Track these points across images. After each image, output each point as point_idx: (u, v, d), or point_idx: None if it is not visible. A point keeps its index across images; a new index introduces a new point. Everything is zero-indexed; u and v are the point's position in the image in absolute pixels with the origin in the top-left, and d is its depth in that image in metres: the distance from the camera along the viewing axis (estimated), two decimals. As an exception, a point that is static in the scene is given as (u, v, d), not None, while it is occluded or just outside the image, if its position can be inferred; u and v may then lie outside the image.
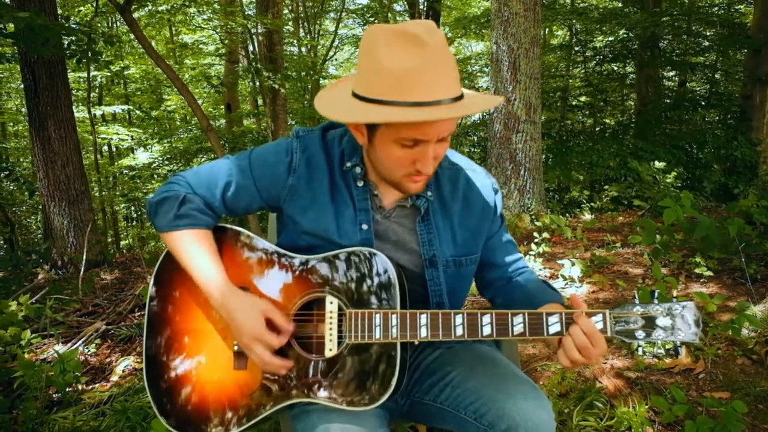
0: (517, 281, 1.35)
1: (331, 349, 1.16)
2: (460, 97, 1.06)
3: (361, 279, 1.18)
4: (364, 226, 1.24)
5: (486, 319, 1.11)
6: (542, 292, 1.28)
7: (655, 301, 1.11)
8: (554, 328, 1.09)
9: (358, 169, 1.24)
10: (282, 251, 1.25)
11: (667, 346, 1.12)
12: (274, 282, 1.23)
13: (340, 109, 1.10)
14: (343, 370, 1.16)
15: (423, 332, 1.12)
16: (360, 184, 1.25)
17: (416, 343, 1.16)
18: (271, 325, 1.16)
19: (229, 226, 1.30)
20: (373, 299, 1.16)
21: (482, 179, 1.33)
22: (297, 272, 1.22)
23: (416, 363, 1.35)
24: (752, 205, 3.87)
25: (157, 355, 1.27)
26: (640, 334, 1.09)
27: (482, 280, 1.40)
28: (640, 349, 1.13)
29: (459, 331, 1.11)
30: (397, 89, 1.02)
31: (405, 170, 1.14)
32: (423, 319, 1.13)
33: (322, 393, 1.16)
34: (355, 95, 1.09)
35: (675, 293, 1.22)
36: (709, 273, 3.47)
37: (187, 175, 1.28)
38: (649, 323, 1.09)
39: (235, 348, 1.23)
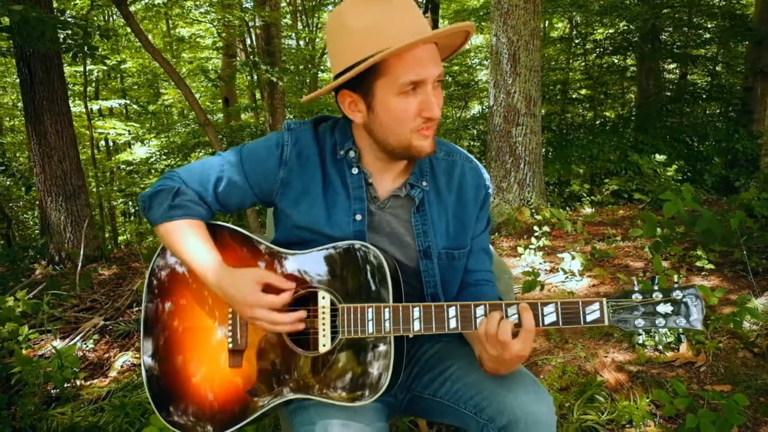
0: (475, 289, 1.31)
1: (324, 344, 1.15)
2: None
3: (353, 273, 1.16)
4: (358, 217, 1.21)
5: (479, 310, 1.09)
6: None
7: (655, 288, 1.05)
8: (550, 318, 1.07)
9: (352, 153, 1.22)
10: (275, 248, 1.23)
11: (668, 339, 1.07)
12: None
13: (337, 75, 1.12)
14: (338, 366, 1.15)
15: (416, 326, 1.11)
16: (354, 171, 1.22)
17: (410, 336, 1.15)
18: (270, 289, 1.14)
19: (222, 223, 1.28)
20: (366, 294, 1.14)
21: (477, 172, 1.32)
22: (290, 268, 1.20)
23: (415, 358, 1.33)
24: (753, 198, 3.85)
25: (155, 351, 1.26)
26: (640, 322, 1.04)
27: None
28: (640, 338, 1.08)
29: (452, 323, 1.10)
30: (374, 41, 1.05)
31: (413, 123, 1.12)
32: (416, 312, 1.11)
33: (318, 389, 1.15)
34: (340, 74, 1.11)
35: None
36: (710, 266, 3.45)
37: (180, 172, 1.27)
38: (649, 310, 1.04)
39: (230, 346, 1.21)
